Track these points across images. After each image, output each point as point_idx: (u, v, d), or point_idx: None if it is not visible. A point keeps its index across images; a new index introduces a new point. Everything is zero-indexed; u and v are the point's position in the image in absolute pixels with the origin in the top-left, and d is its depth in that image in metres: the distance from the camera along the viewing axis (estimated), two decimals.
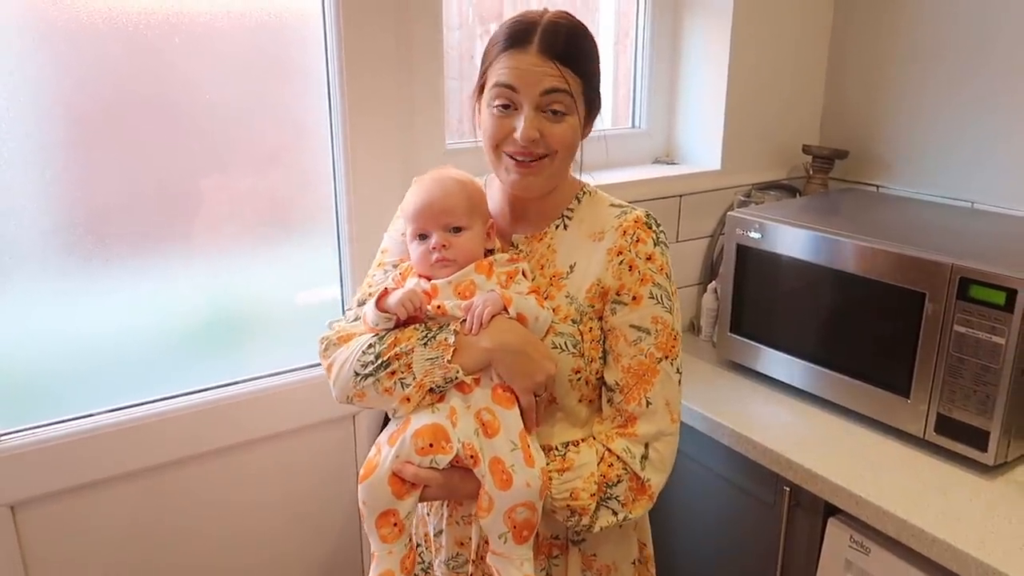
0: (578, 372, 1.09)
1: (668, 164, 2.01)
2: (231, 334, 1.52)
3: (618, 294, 1.09)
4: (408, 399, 1.02)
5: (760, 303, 1.65)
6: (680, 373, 1.12)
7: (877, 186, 1.96)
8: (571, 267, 1.12)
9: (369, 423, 1.63)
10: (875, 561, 1.26)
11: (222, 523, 1.53)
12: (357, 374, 1.05)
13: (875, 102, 1.93)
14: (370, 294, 1.11)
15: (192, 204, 1.42)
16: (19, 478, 1.30)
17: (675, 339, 1.11)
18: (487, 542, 1.08)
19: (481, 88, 1.10)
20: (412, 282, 1.08)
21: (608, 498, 1.06)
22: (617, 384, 1.09)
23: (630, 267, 1.09)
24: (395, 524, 1.01)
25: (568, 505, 1.04)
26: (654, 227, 1.13)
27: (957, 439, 1.33)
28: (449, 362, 1.01)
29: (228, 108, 1.41)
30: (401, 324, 1.06)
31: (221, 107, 1.40)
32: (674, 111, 2.01)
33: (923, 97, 1.84)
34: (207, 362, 1.49)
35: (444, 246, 1.06)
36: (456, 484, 1.02)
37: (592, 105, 1.11)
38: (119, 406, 1.39)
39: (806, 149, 1.95)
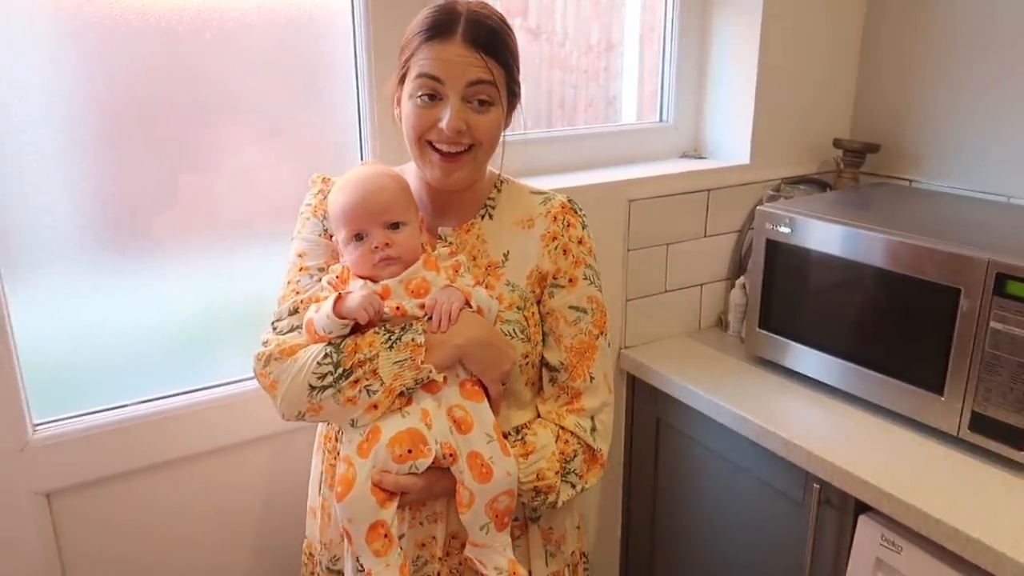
0: (526, 356, 1.13)
1: (696, 158, 1.99)
2: (258, 328, 1.53)
3: (555, 277, 1.15)
4: (376, 406, 1.00)
5: (789, 298, 1.63)
6: (610, 347, 1.21)
7: (910, 181, 1.93)
8: (505, 255, 1.15)
9: None
10: (907, 560, 1.24)
11: (254, 514, 1.55)
12: (313, 387, 1.00)
13: (908, 95, 1.90)
14: (302, 301, 1.08)
15: (219, 199, 1.43)
16: (54, 467, 1.32)
17: (605, 315, 1.19)
18: (455, 537, 1.10)
19: (402, 79, 1.09)
20: (358, 284, 1.04)
21: (567, 472, 1.12)
22: (561, 364, 1.15)
23: (564, 251, 1.15)
24: (385, 535, 0.99)
25: (535, 487, 1.08)
26: (578, 211, 1.19)
27: (992, 437, 1.31)
28: (422, 362, 1.00)
29: (256, 103, 1.42)
30: (356, 330, 1.03)
31: (249, 102, 1.41)
32: (702, 105, 1.99)
33: (957, 90, 1.80)
34: (239, 355, 1.50)
35: (387, 244, 1.03)
36: (433, 484, 1.03)
37: (513, 96, 1.12)
38: (151, 397, 1.41)
39: (837, 143, 1.93)
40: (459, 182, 1.10)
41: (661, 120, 2.00)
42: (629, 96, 2.07)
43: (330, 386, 1.00)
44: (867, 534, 1.30)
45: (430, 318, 1.03)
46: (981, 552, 1.12)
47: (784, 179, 1.94)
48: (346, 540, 1.02)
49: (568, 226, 1.16)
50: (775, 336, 1.65)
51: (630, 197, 1.72)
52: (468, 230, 1.17)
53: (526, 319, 1.13)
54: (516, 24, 1.88)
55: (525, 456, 1.08)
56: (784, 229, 1.60)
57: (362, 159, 1.53)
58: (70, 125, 1.27)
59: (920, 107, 1.88)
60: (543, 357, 1.17)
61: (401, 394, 1.01)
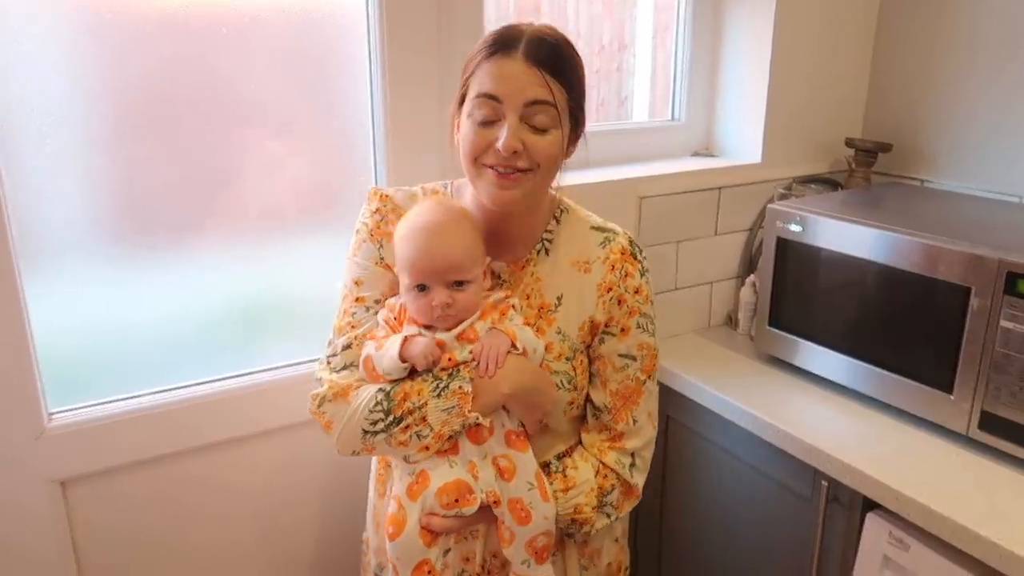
0: (572, 403, 1.15)
1: (707, 157, 1.99)
2: (273, 320, 1.54)
3: (607, 326, 1.14)
4: (427, 447, 1.04)
5: (799, 297, 1.63)
6: (658, 385, 1.21)
7: (922, 180, 1.92)
8: (559, 299, 1.14)
9: None
10: (915, 557, 1.24)
11: (266, 503, 1.56)
12: (366, 432, 1.04)
13: (921, 94, 1.90)
14: (356, 338, 1.11)
15: (233, 195, 1.44)
16: (69, 455, 1.34)
17: (655, 358, 1.18)
18: (495, 556, 1.15)
19: (461, 100, 1.06)
20: (411, 330, 1.06)
21: (603, 504, 1.15)
22: (605, 406, 1.16)
23: (619, 301, 1.14)
24: (429, 572, 1.05)
25: (572, 519, 1.12)
26: (638, 256, 1.16)
27: (1002, 436, 1.31)
28: (469, 411, 1.02)
29: (271, 99, 1.43)
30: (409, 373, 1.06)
31: (265, 98, 1.42)
32: (714, 103, 2.00)
33: (970, 90, 1.80)
34: (252, 346, 1.52)
35: (448, 304, 1.03)
36: (476, 521, 1.08)
37: (577, 122, 1.08)
38: (166, 387, 1.43)
39: (849, 142, 1.93)
40: (513, 202, 1.05)
41: (673, 118, 2.01)
42: (641, 95, 2.08)
43: (382, 431, 1.04)
44: (875, 531, 1.30)
45: (477, 363, 1.04)
46: (989, 550, 1.12)
47: (795, 178, 1.94)
48: (393, 573, 1.08)
49: (626, 276, 1.14)
50: (785, 334, 1.66)
51: (641, 194, 1.73)
52: (523, 267, 1.14)
53: (574, 368, 1.13)
54: (531, 21, 1.89)
55: (565, 491, 1.11)
56: (795, 227, 1.60)
57: (374, 152, 1.53)
58: (88, 118, 1.29)
59: (932, 107, 1.88)
60: (588, 395, 1.17)
61: (450, 437, 1.04)
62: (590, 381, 1.17)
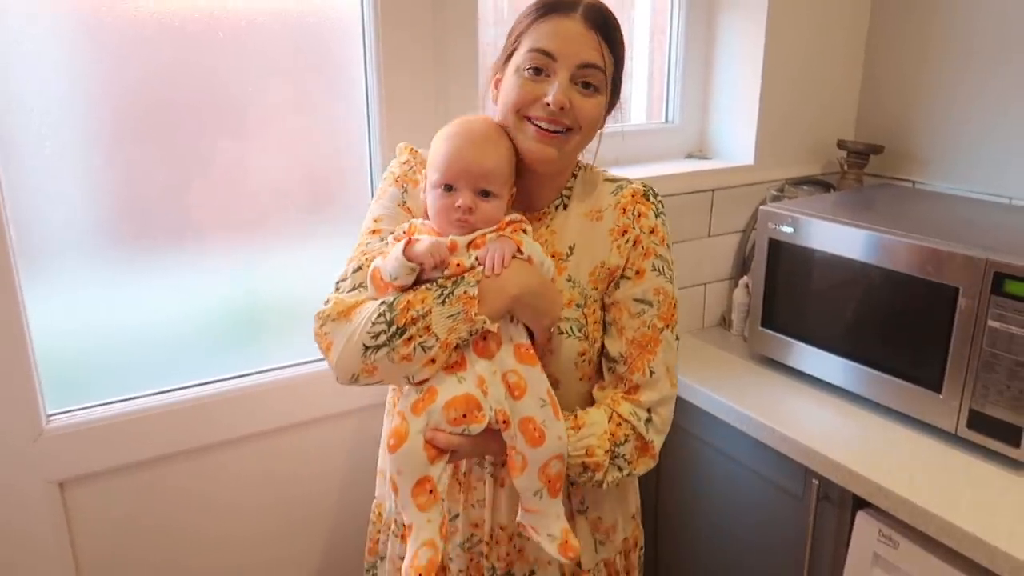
0: (583, 355, 1.11)
1: (701, 159, 2.01)
2: (269, 321, 1.55)
3: (623, 270, 1.11)
4: (433, 360, 1.00)
5: (792, 298, 1.65)
6: (678, 339, 1.16)
7: (913, 182, 1.94)
8: (570, 248, 1.13)
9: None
10: (904, 555, 1.25)
11: (262, 504, 1.58)
12: (367, 347, 1.00)
13: (912, 97, 1.91)
14: (367, 259, 1.07)
15: (231, 194, 1.45)
16: (67, 457, 1.35)
17: (674, 307, 1.14)
18: (502, 528, 1.12)
19: (508, 56, 1.07)
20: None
21: (616, 456, 1.09)
22: (621, 355, 1.12)
23: (635, 243, 1.12)
24: (431, 491, 1.00)
25: (583, 462, 1.07)
26: (652, 198, 1.15)
27: (990, 435, 1.32)
28: (476, 314, 0.99)
29: (267, 100, 1.44)
30: (414, 284, 1.03)
31: (260, 101, 1.44)
32: (707, 106, 2.01)
33: (961, 92, 1.82)
34: (248, 348, 1.53)
35: (471, 209, 1.02)
36: (483, 443, 1.03)
37: (616, 91, 1.10)
38: (163, 389, 1.44)
39: (841, 144, 1.94)
40: (550, 161, 1.05)
41: (666, 121, 2.02)
42: (639, 98, 2.09)
43: (384, 345, 0.99)
44: (865, 529, 1.31)
45: (482, 267, 1.01)
46: (977, 547, 1.14)
47: (788, 180, 1.95)
48: (392, 492, 1.03)
49: (639, 216, 1.13)
50: (777, 335, 1.67)
51: None
52: (541, 219, 1.14)
53: (585, 316, 1.11)
54: None
55: (576, 429, 1.06)
56: (787, 229, 1.61)
57: (369, 153, 1.55)
58: (87, 120, 1.30)
59: (924, 109, 1.89)
60: (604, 347, 1.14)
61: (457, 347, 1.01)
62: (606, 332, 1.13)
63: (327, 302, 1.07)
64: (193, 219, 1.42)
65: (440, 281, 1.01)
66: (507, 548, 1.16)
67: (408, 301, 1.00)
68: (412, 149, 1.19)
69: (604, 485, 1.09)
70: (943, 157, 1.87)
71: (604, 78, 1.05)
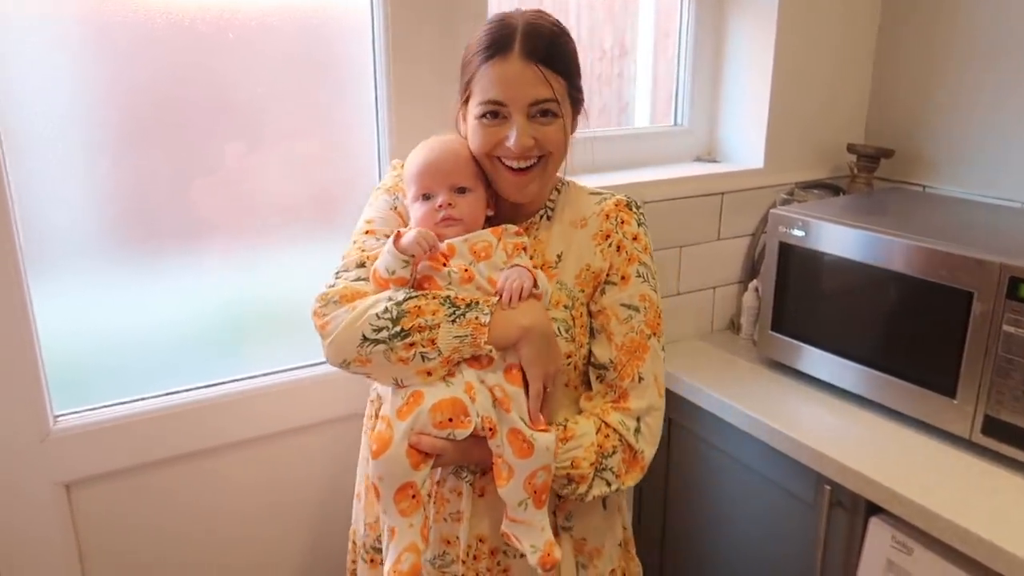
0: (569, 357, 1.12)
1: (710, 162, 2.00)
2: (277, 323, 1.54)
3: (608, 275, 1.14)
4: (429, 372, 1.00)
5: (802, 302, 1.64)
6: (664, 351, 1.17)
7: (923, 186, 1.93)
8: (559, 256, 1.15)
9: None
10: (918, 562, 1.24)
11: (269, 507, 1.57)
12: (366, 338, 1.00)
13: (923, 100, 1.90)
14: (368, 256, 1.09)
15: (239, 197, 1.45)
16: (74, 458, 1.35)
17: (659, 316, 1.16)
18: (481, 540, 1.11)
19: (466, 100, 1.10)
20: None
21: (603, 468, 1.09)
22: (611, 362, 1.13)
23: (618, 248, 1.14)
24: (413, 496, 1.00)
25: (568, 474, 1.07)
26: (635, 209, 1.17)
27: (1005, 441, 1.31)
28: (486, 342, 1.00)
29: (277, 104, 1.44)
30: (416, 283, 1.04)
31: (270, 103, 1.43)
32: (716, 109, 2.01)
33: (973, 95, 1.81)
34: (255, 351, 1.52)
35: (450, 204, 1.06)
36: (469, 449, 1.03)
37: (576, 103, 1.12)
38: (170, 391, 1.43)
39: (851, 148, 1.93)
40: (531, 194, 1.11)
41: (675, 124, 2.02)
42: (642, 103, 2.08)
43: (383, 341, 0.99)
44: (878, 536, 1.30)
45: (499, 298, 1.03)
46: (993, 554, 1.13)
47: (797, 183, 1.95)
48: (374, 498, 1.03)
49: (622, 223, 1.15)
50: (787, 339, 1.66)
51: (644, 199, 1.73)
52: (527, 229, 1.16)
53: (572, 318, 1.12)
54: None
55: (564, 441, 1.07)
56: (798, 232, 1.60)
57: (379, 159, 1.54)
58: (95, 122, 1.29)
59: (934, 112, 1.88)
60: (592, 355, 1.15)
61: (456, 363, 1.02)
62: (594, 338, 1.15)
63: (332, 285, 1.08)
64: (199, 222, 1.42)
65: (454, 297, 1.02)
66: (488, 563, 1.13)
67: (419, 307, 1.00)
68: (403, 164, 1.20)
69: (587, 498, 1.09)
70: (954, 161, 1.86)
71: (558, 103, 1.06)
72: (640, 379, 1.12)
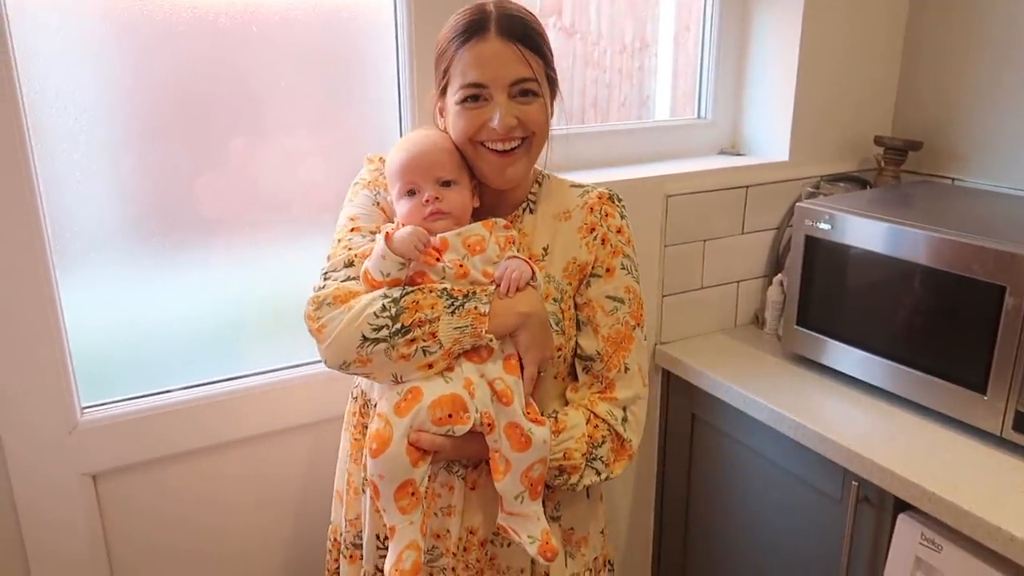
0: (559, 350, 1.13)
1: (734, 155, 1.98)
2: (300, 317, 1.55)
3: (593, 268, 1.15)
4: (431, 365, 1.01)
5: (828, 296, 1.62)
6: (646, 339, 1.20)
7: (952, 179, 1.90)
8: (545, 249, 1.16)
9: None
10: (948, 559, 1.22)
11: (293, 497, 1.58)
12: (366, 338, 0.99)
13: (952, 91, 1.87)
14: (356, 255, 1.07)
15: (263, 191, 1.45)
16: (100, 449, 1.36)
17: (642, 307, 1.18)
18: (472, 532, 1.11)
19: (443, 90, 1.09)
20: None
21: (593, 458, 1.11)
22: (598, 353, 1.14)
23: (603, 241, 1.15)
24: (412, 494, 1.01)
25: (560, 465, 1.08)
26: (617, 201, 1.19)
27: None
28: (485, 332, 1.01)
29: (300, 99, 1.44)
30: (409, 279, 1.03)
31: (293, 97, 1.43)
32: (741, 101, 1.98)
33: (1002, 86, 1.77)
34: (279, 343, 1.53)
35: (437, 198, 1.05)
36: (465, 444, 1.03)
37: (553, 84, 1.12)
38: (195, 383, 1.45)
39: (878, 140, 1.91)
40: (515, 177, 1.10)
41: (699, 116, 2.00)
42: (663, 96, 2.07)
43: (384, 340, 0.99)
44: (907, 533, 1.28)
45: (496, 287, 1.04)
46: None
47: (823, 176, 1.92)
48: (372, 496, 1.03)
49: (606, 216, 1.16)
50: (813, 333, 1.64)
51: (667, 192, 1.72)
52: (511, 222, 1.15)
53: (562, 311, 1.13)
54: (550, 23, 1.89)
55: (556, 433, 1.08)
56: (824, 226, 1.58)
57: None
58: (120, 118, 1.30)
59: (964, 104, 1.85)
60: (578, 347, 1.16)
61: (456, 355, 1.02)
62: (580, 330, 1.16)
63: (322, 287, 1.06)
64: (224, 216, 1.43)
65: (451, 289, 1.02)
66: (477, 554, 1.14)
67: (417, 302, 1.00)
68: (382, 158, 1.21)
69: (578, 488, 1.12)
70: (983, 153, 1.83)
71: (537, 82, 1.07)
72: (626, 369, 1.15)
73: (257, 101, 1.40)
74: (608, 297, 1.15)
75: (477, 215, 1.13)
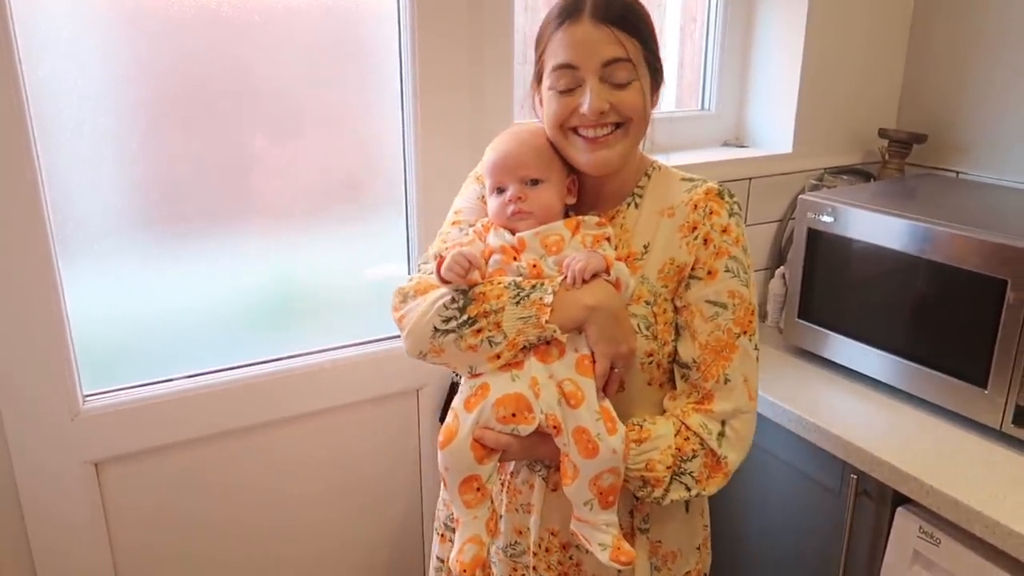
0: (651, 355, 1.06)
1: (738, 147, 1.98)
2: (302, 307, 1.56)
3: (693, 269, 1.06)
4: (498, 356, 1.00)
5: (830, 289, 1.61)
6: (758, 350, 1.09)
7: (957, 172, 1.89)
8: (645, 247, 1.08)
9: (433, 396, 1.66)
10: (945, 552, 1.23)
11: (292, 487, 1.59)
12: (437, 329, 1.00)
13: (957, 84, 1.86)
14: (447, 248, 1.07)
15: (265, 181, 1.45)
16: (103, 437, 1.37)
17: (752, 314, 1.07)
18: (553, 534, 1.10)
19: (539, 76, 1.06)
20: (493, 235, 1.05)
21: (682, 473, 1.03)
22: (694, 361, 1.06)
23: (705, 240, 1.06)
24: (478, 489, 1.00)
25: (642, 476, 1.02)
26: (727, 198, 1.08)
27: None
28: (547, 322, 0.98)
29: (302, 87, 1.44)
30: (488, 277, 1.02)
31: (296, 85, 1.43)
32: (745, 93, 1.98)
33: (1008, 80, 1.76)
34: (279, 333, 1.53)
35: (520, 198, 1.03)
36: (535, 446, 1.01)
37: (655, 72, 1.06)
38: (197, 372, 1.45)
39: (882, 133, 1.90)
40: (610, 164, 1.04)
41: (703, 108, 1.99)
42: (668, 87, 2.06)
43: (453, 331, 1.00)
44: (905, 526, 1.29)
45: (564, 277, 1.00)
46: (1022, 546, 1.11)
47: (827, 169, 1.92)
48: (442, 484, 1.04)
49: (710, 213, 1.06)
50: (815, 327, 1.64)
51: None
52: (613, 218, 1.11)
53: (655, 315, 1.06)
54: None
55: (638, 443, 1.03)
56: (827, 218, 1.58)
57: (403, 143, 1.54)
58: (123, 107, 1.30)
59: (969, 97, 1.84)
60: (676, 354, 1.08)
61: (524, 348, 1.00)
62: (679, 336, 1.08)
63: (410, 279, 1.08)
64: (227, 205, 1.43)
65: (520, 280, 1.01)
66: (559, 557, 1.11)
67: (483, 293, 1.00)
68: None
69: (664, 501, 1.04)
70: (989, 146, 1.82)
71: (632, 65, 1.01)
72: (727, 380, 1.05)
73: (260, 89, 1.40)
74: (708, 302, 1.05)
75: (578, 210, 1.09)
